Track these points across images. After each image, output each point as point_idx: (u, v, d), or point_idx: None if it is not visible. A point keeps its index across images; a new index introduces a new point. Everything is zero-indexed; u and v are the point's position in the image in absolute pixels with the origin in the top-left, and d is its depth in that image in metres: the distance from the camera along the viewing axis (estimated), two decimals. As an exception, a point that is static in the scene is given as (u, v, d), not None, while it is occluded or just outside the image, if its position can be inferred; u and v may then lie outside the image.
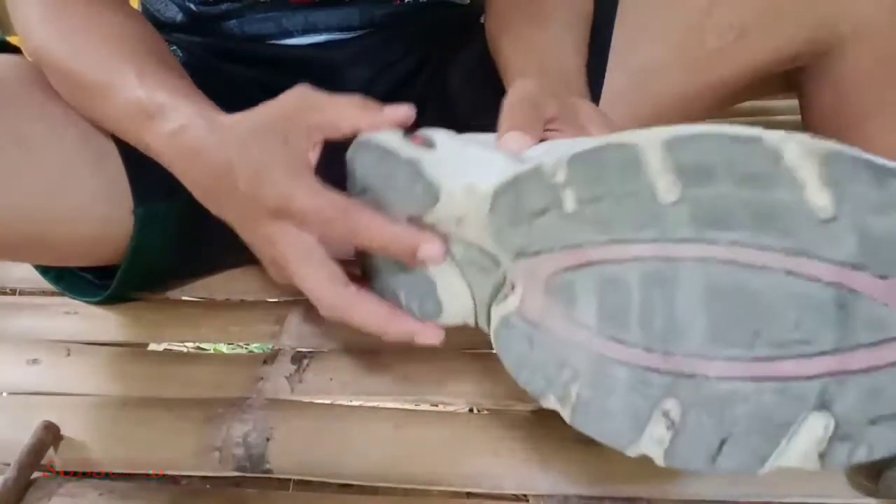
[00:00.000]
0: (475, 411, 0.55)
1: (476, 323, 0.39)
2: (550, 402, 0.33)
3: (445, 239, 0.36)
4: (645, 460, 0.44)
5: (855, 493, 0.42)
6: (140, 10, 0.66)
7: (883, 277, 0.25)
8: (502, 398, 0.50)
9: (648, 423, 0.29)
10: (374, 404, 0.52)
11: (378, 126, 0.38)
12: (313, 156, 0.39)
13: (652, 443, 0.29)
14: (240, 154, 0.38)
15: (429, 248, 0.35)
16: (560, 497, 0.44)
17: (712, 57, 0.54)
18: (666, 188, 0.28)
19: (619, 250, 0.30)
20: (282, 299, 0.61)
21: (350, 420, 0.48)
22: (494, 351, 0.36)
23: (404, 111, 0.39)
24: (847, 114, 0.51)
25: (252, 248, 0.41)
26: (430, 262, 0.36)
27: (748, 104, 0.86)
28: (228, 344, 0.80)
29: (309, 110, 0.39)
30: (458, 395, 0.50)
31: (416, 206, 0.36)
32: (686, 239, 0.28)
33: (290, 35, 0.61)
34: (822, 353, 0.26)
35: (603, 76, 0.56)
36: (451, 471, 0.45)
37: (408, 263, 0.37)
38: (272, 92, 0.61)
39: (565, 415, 0.32)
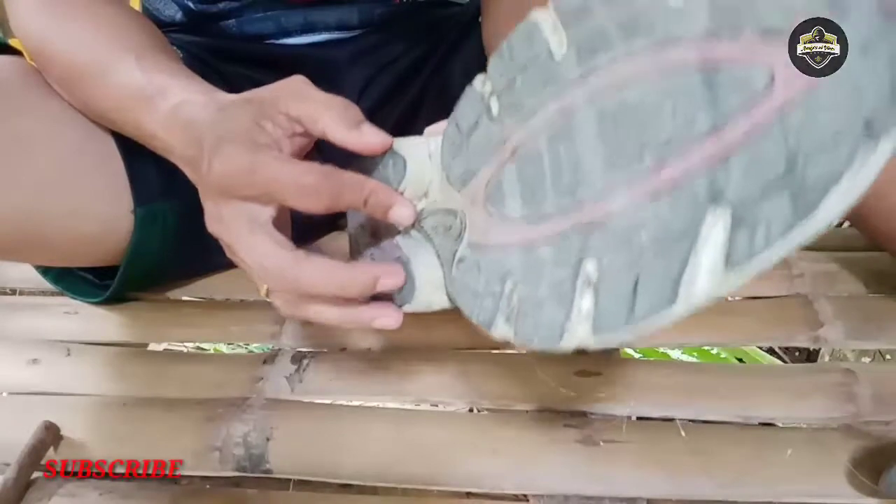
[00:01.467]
0: (475, 411, 0.55)
1: (448, 297, 0.38)
2: (500, 328, 0.32)
3: (417, 215, 0.37)
4: (643, 459, 0.44)
5: (855, 492, 0.42)
6: (140, 9, 0.66)
7: (735, 38, 0.26)
8: (502, 398, 0.50)
9: (574, 296, 0.29)
10: (374, 404, 0.52)
11: (347, 144, 0.37)
12: (286, 144, 0.37)
13: (581, 319, 0.29)
14: (211, 124, 0.37)
15: (399, 209, 0.36)
16: (560, 497, 0.44)
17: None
18: (558, 41, 0.31)
19: (531, 126, 0.32)
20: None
21: (350, 420, 0.48)
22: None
23: (380, 141, 0.37)
24: (847, 114, 0.51)
25: (216, 237, 0.39)
26: (401, 221, 0.36)
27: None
28: (228, 344, 0.80)
29: (291, 98, 0.37)
30: (458, 395, 0.50)
31: (389, 182, 0.38)
32: (576, 81, 0.30)
33: (289, 34, 0.61)
34: (702, 138, 0.26)
35: None
36: (451, 471, 0.45)
37: (382, 216, 0.36)
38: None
39: (511, 334, 0.31)
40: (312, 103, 0.37)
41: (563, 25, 0.31)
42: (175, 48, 0.60)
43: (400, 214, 0.36)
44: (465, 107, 0.36)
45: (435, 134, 0.39)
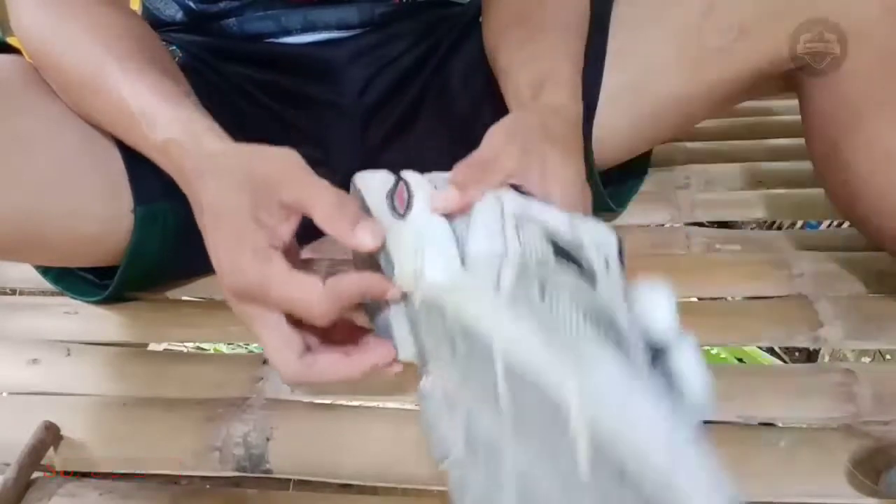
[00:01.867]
0: (475, 411, 0.55)
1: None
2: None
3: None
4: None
5: (855, 492, 0.42)
6: (141, 9, 0.66)
7: None
8: (502, 398, 0.49)
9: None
10: (374, 404, 0.52)
11: (342, 240, 0.37)
12: (286, 229, 0.38)
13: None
14: (213, 222, 0.38)
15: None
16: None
17: (712, 57, 0.54)
18: None
19: None
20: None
21: (350, 420, 0.48)
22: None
23: (370, 241, 0.36)
24: (847, 114, 0.51)
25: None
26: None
27: (748, 104, 0.86)
28: (228, 344, 0.80)
29: (285, 185, 0.37)
30: (458, 395, 0.50)
31: (385, 271, 0.38)
32: None
33: (290, 33, 0.61)
34: None
35: (601, 75, 0.56)
36: (451, 471, 0.45)
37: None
38: (272, 91, 0.62)
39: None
40: (307, 193, 0.37)
41: None
42: (174, 48, 0.61)
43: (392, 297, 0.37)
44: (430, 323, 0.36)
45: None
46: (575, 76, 0.49)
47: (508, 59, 0.51)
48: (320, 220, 0.36)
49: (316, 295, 0.35)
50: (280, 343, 0.38)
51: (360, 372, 0.38)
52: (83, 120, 0.50)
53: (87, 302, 0.61)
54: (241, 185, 0.37)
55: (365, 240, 0.36)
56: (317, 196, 0.37)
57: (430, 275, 0.35)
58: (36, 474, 0.46)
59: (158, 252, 0.55)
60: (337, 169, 0.63)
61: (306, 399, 0.51)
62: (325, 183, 0.37)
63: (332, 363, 0.38)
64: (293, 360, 0.37)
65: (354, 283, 0.36)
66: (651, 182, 0.71)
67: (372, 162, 0.63)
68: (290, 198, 0.37)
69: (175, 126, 0.42)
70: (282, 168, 0.38)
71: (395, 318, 0.39)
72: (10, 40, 0.55)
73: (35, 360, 0.56)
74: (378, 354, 0.38)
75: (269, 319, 0.37)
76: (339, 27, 0.61)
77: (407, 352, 0.39)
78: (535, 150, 0.40)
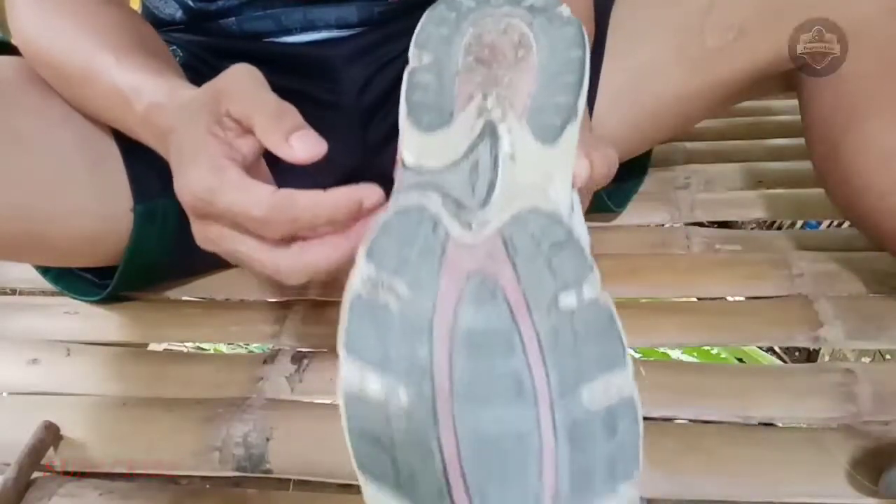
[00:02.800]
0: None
1: None
2: None
3: None
4: (643, 458, 0.44)
5: (855, 493, 0.42)
6: (140, 7, 0.66)
7: None
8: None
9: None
10: (374, 404, 0.52)
11: (279, 154, 0.34)
12: (244, 143, 0.36)
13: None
14: (173, 134, 0.37)
15: (371, 194, 0.33)
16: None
17: (712, 57, 0.54)
18: None
19: None
20: (282, 299, 0.61)
21: (350, 420, 0.48)
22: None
23: (301, 152, 0.34)
24: (847, 114, 0.51)
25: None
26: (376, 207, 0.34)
27: (748, 104, 0.86)
28: (228, 344, 0.80)
29: (230, 97, 0.36)
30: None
31: None
32: None
33: (289, 33, 0.61)
34: None
35: (598, 73, 0.56)
36: (451, 471, 0.45)
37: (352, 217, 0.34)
38: (272, 90, 0.62)
39: None
40: (251, 104, 0.35)
41: None
42: (174, 47, 0.61)
43: (374, 199, 0.34)
44: None
45: None
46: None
47: None
48: (258, 132, 0.34)
49: (265, 197, 0.32)
50: (261, 242, 0.34)
51: (345, 206, 0.33)
52: (79, 113, 0.50)
53: (87, 301, 0.61)
54: (200, 101, 0.37)
55: (296, 151, 0.33)
56: (259, 107, 0.35)
57: None
58: (36, 474, 0.46)
59: (158, 250, 0.55)
60: (337, 168, 0.63)
61: (306, 399, 0.51)
62: (271, 95, 0.36)
63: (316, 195, 0.33)
64: (283, 255, 0.34)
65: (314, 202, 0.33)
66: (651, 182, 0.71)
67: (372, 161, 0.63)
68: (237, 110, 0.35)
69: (159, 92, 0.41)
70: (234, 81, 0.37)
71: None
72: (13, 40, 0.55)
73: (35, 360, 0.56)
74: (367, 193, 0.33)
75: (236, 220, 0.34)
76: (338, 26, 0.61)
77: None
78: None
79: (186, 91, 0.40)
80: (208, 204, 0.34)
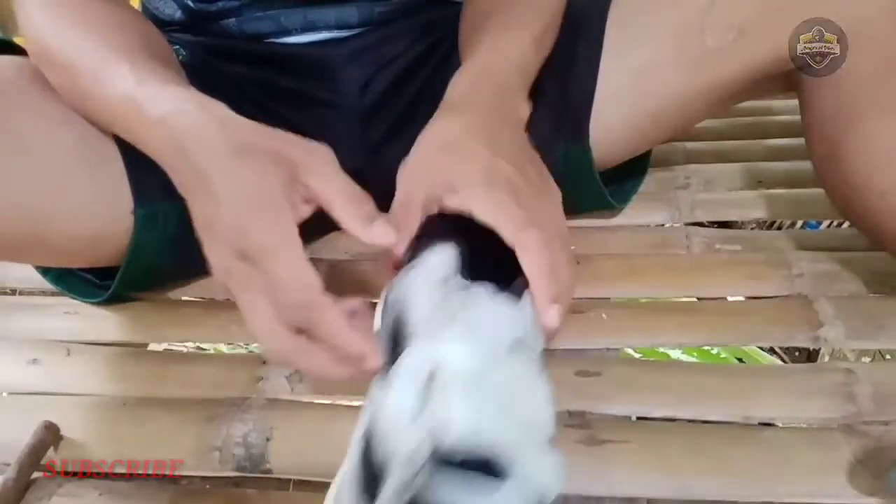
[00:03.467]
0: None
1: None
2: None
3: None
4: (644, 458, 0.44)
5: (855, 492, 0.42)
6: (140, 7, 0.66)
7: None
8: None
9: None
10: (374, 404, 0.52)
11: (359, 237, 0.38)
12: (305, 210, 0.38)
13: None
14: (224, 173, 0.38)
15: (373, 361, 0.36)
16: (560, 497, 0.44)
17: (712, 57, 0.54)
18: None
19: None
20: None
21: (350, 420, 0.48)
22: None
23: (388, 240, 0.38)
24: (847, 114, 0.51)
25: (205, 252, 0.39)
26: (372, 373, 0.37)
27: (748, 104, 0.86)
28: (228, 344, 0.80)
29: (314, 174, 0.38)
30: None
31: None
32: None
33: (289, 33, 0.61)
34: None
35: (596, 69, 0.56)
36: (451, 471, 0.45)
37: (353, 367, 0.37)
38: (272, 90, 0.62)
39: None
40: (332, 188, 0.38)
41: None
42: (177, 47, 0.61)
43: (372, 366, 0.37)
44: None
45: None
46: (524, 63, 0.50)
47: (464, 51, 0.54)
48: (338, 211, 0.38)
49: (311, 285, 0.35)
50: (273, 312, 0.36)
51: (357, 351, 0.36)
52: (83, 118, 0.50)
53: (88, 302, 0.61)
54: (275, 160, 0.38)
55: (378, 235, 0.38)
56: (339, 189, 0.38)
57: None
58: (36, 474, 0.46)
59: (159, 253, 0.55)
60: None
61: (306, 399, 0.51)
62: (350, 181, 0.39)
63: (345, 323, 0.36)
64: (284, 334, 0.36)
65: (339, 321, 0.36)
66: (651, 182, 0.71)
67: (372, 160, 0.63)
68: (317, 185, 0.38)
69: (177, 97, 0.42)
70: (317, 159, 0.39)
71: None
72: (17, 40, 0.55)
73: (35, 360, 0.56)
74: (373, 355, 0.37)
75: (272, 282, 0.36)
76: (338, 27, 0.61)
77: None
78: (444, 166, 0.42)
79: (214, 103, 0.41)
80: (260, 255, 0.35)
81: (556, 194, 0.44)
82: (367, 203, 0.39)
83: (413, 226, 0.41)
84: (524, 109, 0.48)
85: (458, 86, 0.48)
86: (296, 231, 0.36)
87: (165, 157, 0.42)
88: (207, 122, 0.40)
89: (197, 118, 0.40)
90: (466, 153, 0.42)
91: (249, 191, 0.37)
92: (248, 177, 0.37)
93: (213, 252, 0.38)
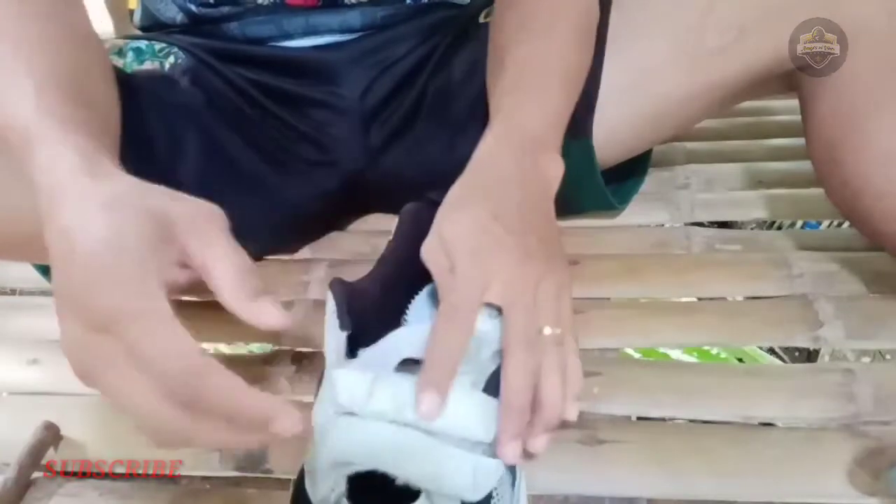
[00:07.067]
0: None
1: None
2: None
3: None
4: (643, 458, 0.44)
5: (855, 492, 0.42)
6: (140, 9, 0.66)
7: None
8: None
9: None
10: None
11: (240, 314, 0.33)
12: (182, 277, 0.33)
13: None
14: (85, 227, 0.31)
15: (287, 420, 0.30)
16: (560, 497, 0.44)
17: (712, 57, 0.54)
18: None
19: None
20: (281, 300, 0.61)
21: (350, 420, 0.48)
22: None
23: (278, 322, 0.32)
24: (847, 114, 0.51)
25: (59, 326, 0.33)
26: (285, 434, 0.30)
27: (748, 104, 0.86)
28: (228, 344, 0.80)
29: (196, 234, 0.33)
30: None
31: None
32: None
33: (291, 37, 0.61)
34: None
35: (600, 68, 0.56)
36: (451, 471, 0.45)
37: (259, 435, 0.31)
38: (274, 93, 0.62)
39: None
40: (214, 250, 0.33)
41: None
42: (177, 50, 0.60)
43: (285, 426, 0.30)
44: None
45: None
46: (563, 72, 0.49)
47: (492, 64, 0.52)
48: (216, 280, 0.32)
49: (188, 352, 0.30)
50: (149, 386, 0.30)
51: (255, 416, 0.30)
52: None
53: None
54: (150, 215, 0.32)
55: (266, 315, 0.32)
56: (221, 254, 0.33)
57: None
58: (36, 474, 0.46)
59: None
60: (340, 171, 0.63)
61: (306, 399, 0.51)
62: (237, 246, 0.33)
63: (237, 384, 0.30)
64: (168, 412, 0.30)
65: (230, 385, 0.30)
66: (651, 182, 0.71)
67: (374, 163, 0.63)
68: (195, 246, 0.33)
69: (69, 145, 0.35)
70: (199, 218, 0.34)
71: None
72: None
73: (35, 360, 0.56)
74: (285, 415, 0.30)
75: (140, 354, 0.30)
76: (340, 30, 0.61)
77: None
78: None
79: (105, 161, 0.36)
80: (118, 324, 0.30)
81: (559, 272, 0.40)
82: (254, 276, 0.33)
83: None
84: (555, 168, 0.45)
85: (481, 146, 0.45)
86: (162, 293, 0.31)
87: (40, 200, 0.35)
88: (82, 175, 0.34)
89: (73, 166, 0.34)
90: (463, 214, 0.40)
91: (108, 247, 0.31)
92: (110, 231, 0.31)
93: (65, 323, 0.32)
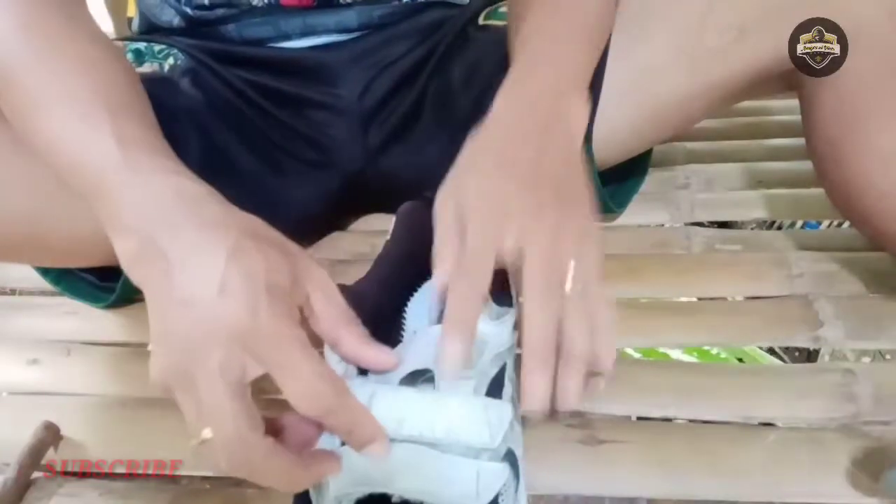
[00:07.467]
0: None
1: None
2: None
3: None
4: (643, 458, 0.44)
5: (855, 492, 0.42)
6: (137, 13, 0.66)
7: None
8: (502, 398, 0.49)
9: None
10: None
11: (359, 360, 0.36)
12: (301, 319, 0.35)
13: None
14: (229, 259, 0.33)
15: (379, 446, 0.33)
16: (560, 497, 0.44)
17: (712, 57, 0.54)
18: None
19: None
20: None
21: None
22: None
23: (385, 361, 0.36)
24: (847, 114, 0.51)
25: (154, 332, 0.36)
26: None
27: (748, 104, 0.86)
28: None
29: (319, 288, 0.35)
30: (458, 395, 0.50)
31: None
32: None
33: (289, 38, 0.61)
34: None
35: (602, 68, 0.56)
36: (451, 471, 0.45)
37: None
38: (272, 94, 0.62)
39: None
40: (334, 305, 0.36)
41: None
42: (176, 51, 0.60)
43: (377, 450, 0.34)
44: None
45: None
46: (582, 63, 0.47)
47: (514, 37, 0.49)
48: (339, 332, 0.35)
49: (326, 385, 0.33)
50: (243, 412, 0.33)
51: (306, 484, 0.35)
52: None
53: (93, 306, 0.61)
54: (282, 250, 0.35)
55: (383, 360, 0.36)
56: (343, 308, 0.36)
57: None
58: (36, 474, 0.46)
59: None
60: (340, 171, 0.63)
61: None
62: (346, 307, 0.36)
63: (286, 468, 0.34)
64: (254, 440, 0.33)
65: (361, 414, 0.33)
66: (651, 182, 0.71)
67: (373, 163, 0.63)
68: (318, 298, 0.35)
69: (176, 172, 0.37)
70: (317, 266, 0.36)
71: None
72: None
73: (35, 360, 0.56)
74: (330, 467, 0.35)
75: (240, 375, 0.33)
76: (338, 31, 0.61)
77: None
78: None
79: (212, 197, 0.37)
80: (271, 341, 0.32)
81: (580, 219, 0.39)
82: (359, 323, 0.36)
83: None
84: (577, 113, 0.44)
85: (497, 100, 0.44)
86: (299, 328, 0.33)
87: (142, 228, 0.36)
88: (207, 201, 0.36)
89: (197, 192, 0.36)
90: (474, 172, 0.40)
91: (256, 280, 0.32)
92: (253, 264, 0.33)
93: (163, 327, 0.35)
